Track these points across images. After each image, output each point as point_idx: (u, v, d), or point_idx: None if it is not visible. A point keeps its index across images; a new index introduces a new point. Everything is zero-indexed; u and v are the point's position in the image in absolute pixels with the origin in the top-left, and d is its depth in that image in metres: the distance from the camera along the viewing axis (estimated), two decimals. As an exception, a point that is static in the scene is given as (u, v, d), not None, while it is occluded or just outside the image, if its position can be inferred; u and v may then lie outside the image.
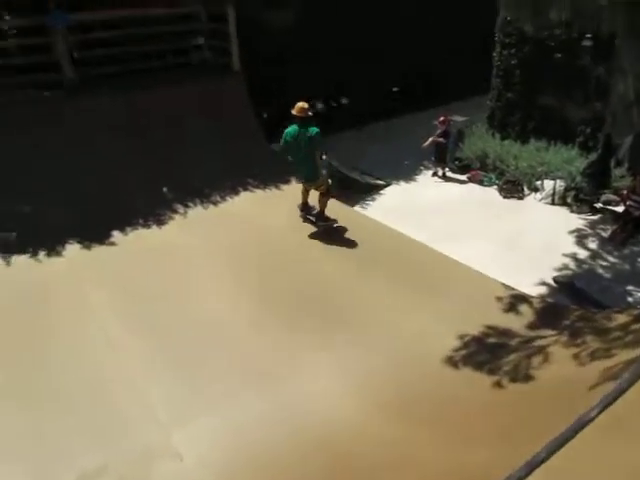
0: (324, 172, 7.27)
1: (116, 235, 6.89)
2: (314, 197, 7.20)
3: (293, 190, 8.30)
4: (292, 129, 6.75)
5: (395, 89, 14.13)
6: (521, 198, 8.87)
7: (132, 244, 6.77)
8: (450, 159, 9.93)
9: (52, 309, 5.56)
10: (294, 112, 6.64)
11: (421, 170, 10.16)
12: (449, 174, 9.90)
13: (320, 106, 11.81)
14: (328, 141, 10.80)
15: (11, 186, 6.96)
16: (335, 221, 7.09)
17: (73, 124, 7.77)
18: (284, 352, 4.93)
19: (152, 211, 7.33)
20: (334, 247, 6.70)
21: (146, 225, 7.16)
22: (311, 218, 7.23)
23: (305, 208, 7.32)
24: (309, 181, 7.03)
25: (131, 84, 8.72)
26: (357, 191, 9.15)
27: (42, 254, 6.46)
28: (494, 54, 10.20)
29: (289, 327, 5.25)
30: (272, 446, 4.02)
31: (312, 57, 11.13)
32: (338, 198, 8.00)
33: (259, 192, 8.15)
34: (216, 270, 6.23)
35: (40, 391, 4.59)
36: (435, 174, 9.96)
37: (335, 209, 7.76)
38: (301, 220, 7.31)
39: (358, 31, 11.66)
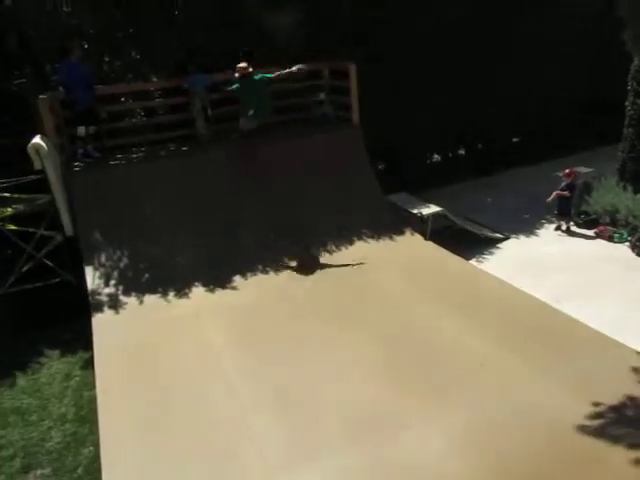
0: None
1: (237, 280, 7.25)
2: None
3: (407, 241, 8.31)
4: (238, 86, 8.42)
5: (515, 139, 13.84)
6: (658, 257, 8.13)
7: (251, 289, 7.09)
8: (575, 213, 9.40)
9: (178, 349, 5.92)
10: (238, 74, 8.32)
11: (543, 224, 9.69)
12: (574, 229, 9.35)
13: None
14: (445, 192, 10.83)
15: (146, 230, 7.65)
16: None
17: (202, 176, 8.39)
18: (394, 409, 4.81)
19: (270, 257, 7.65)
20: (448, 301, 6.51)
21: (264, 271, 7.48)
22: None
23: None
24: (266, 117, 8.67)
25: (255, 137, 9.29)
26: (474, 244, 8.91)
27: (171, 295, 6.96)
28: (626, 103, 9.65)
29: (400, 383, 5.13)
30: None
31: (430, 109, 11.26)
32: (454, 251, 7.87)
33: (373, 242, 8.22)
34: (330, 319, 6.31)
35: (160, 427, 4.86)
36: (558, 228, 9.45)
37: (451, 262, 7.64)
38: (413, 273, 7.26)
39: (478, 82, 11.66)
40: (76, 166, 8.37)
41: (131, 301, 6.86)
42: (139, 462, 4.47)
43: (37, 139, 7.38)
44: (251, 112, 8.44)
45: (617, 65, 10.01)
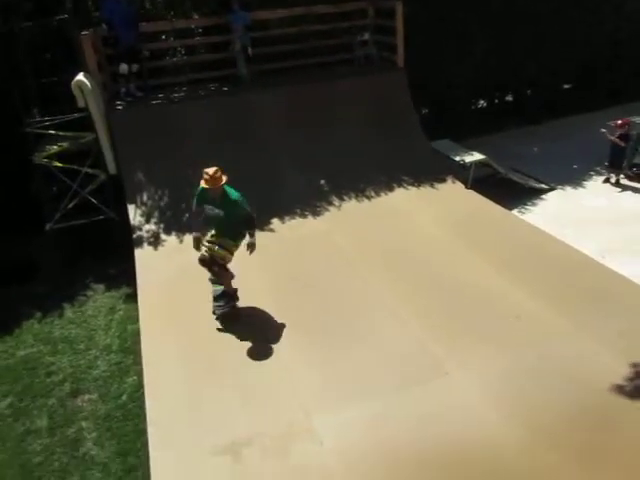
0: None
1: (276, 222, 7.26)
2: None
3: (448, 189, 8.16)
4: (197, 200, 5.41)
5: (566, 86, 13.18)
6: None
7: (291, 232, 7.11)
8: (627, 165, 9.00)
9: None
10: (206, 185, 5.14)
11: (591, 175, 9.33)
12: (624, 182, 8.98)
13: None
14: (490, 139, 10.47)
15: (187, 170, 7.63)
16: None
17: (244, 115, 8.31)
18: (432, 356, 4.86)
19: (309, 202, 7.64)
20: (488, 251, 6.42)
21: (303, 215, 7.47)
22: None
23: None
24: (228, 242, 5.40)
25: (297, 79, 9.16)
26: (517, 194, 8.68)
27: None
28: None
29: (438, 331, 5.16)
30: (407, 446, 4.05)
31: (476, 53, 10.76)
32: (496, 200, 7.68)
33: (413, 189, 8.09)
34: (370, 265, 6.31)
35: (200, 360, 5.05)
36: (607, 180, 9.10)
37: (492, 212, 7.48)
38: (453, 221, 7.14)
39: (527, 27, 11.04)
40: (118, 104, 8.40)
41: (171, 239, 7.00)
42: (180, 391, 4.67)
43: (80, 76, 7.39)
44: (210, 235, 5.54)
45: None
